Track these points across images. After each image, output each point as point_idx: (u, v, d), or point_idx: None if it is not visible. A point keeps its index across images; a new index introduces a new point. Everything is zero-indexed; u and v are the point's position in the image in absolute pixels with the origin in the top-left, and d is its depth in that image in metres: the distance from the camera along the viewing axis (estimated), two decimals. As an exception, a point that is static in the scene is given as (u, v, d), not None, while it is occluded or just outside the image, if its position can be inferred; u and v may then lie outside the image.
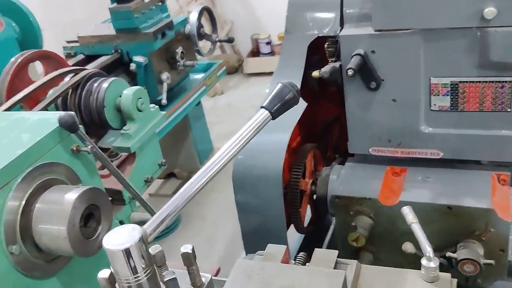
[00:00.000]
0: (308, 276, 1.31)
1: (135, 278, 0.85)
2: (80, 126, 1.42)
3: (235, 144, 1.02)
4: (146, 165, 1.94)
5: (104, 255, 0.87)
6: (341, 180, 2.39)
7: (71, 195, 1.28)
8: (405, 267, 1.60)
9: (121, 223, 1.82)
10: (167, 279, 0.86)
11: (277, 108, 1.04)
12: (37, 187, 1.30)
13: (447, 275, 1.34)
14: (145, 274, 0.86)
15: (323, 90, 2.53)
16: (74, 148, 1.42)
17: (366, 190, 2.30)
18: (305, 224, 2.62)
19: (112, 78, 1.83)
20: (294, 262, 1.49)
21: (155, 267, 0.92)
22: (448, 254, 2.18)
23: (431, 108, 2.22)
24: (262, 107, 1.04)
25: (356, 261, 1.43)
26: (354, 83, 2.24)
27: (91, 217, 1.34)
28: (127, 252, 0.83)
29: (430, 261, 1.32)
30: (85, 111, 1.83)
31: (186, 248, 0.93)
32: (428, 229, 2.14)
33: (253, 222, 2.29)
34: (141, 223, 1.77)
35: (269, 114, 1.04)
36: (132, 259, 0.84)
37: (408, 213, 1.38)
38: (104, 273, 0.89)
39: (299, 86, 2.29)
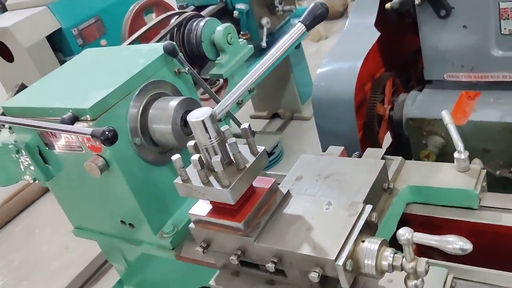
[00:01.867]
0: (354, 165, 1.62)
1: (209, 141, 1.24)
2: (180, 53, 1.85)
3: (283, 44, 1.35)
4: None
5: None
6: (416, 104, 2.60)
7: (173, 102, 1.72)
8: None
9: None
10: (230, 142, 1.25)
11: (310, 21, 1.35)
12: (150, 98, 1.76)
13: (477, 166, 1.57)
14: (216, 140, 1.24)
15: (401, 21, 2.71)
16: (176, 70, 1.85)
17: (438, 112, 2.49)
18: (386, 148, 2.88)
19: (207, 18, 2.23)
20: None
21: (224, 139, 1.30)
22: (514, 168, 2.33)
23: (502, 32, 2.33)
24: (299, 21, 1.36)
25: (400, 157, 1.70)
26: (426, 12, 2.41)
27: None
28: (203, 123, 1.22)
29: (461, 154, 1.55)
30: (188, 46, 2.27)
31: (245, 125, 1.30)
32: (498, 146, 2.32)
33: (331, 143, 2.63)
34: (236, 135, 2.20)
35: (304, 26, 1.35)
36: (206, 128, 1.23)
37: (445, 116, 1.61)
38: (190, 143, 1.30)
39: (374, 19, 2.52)
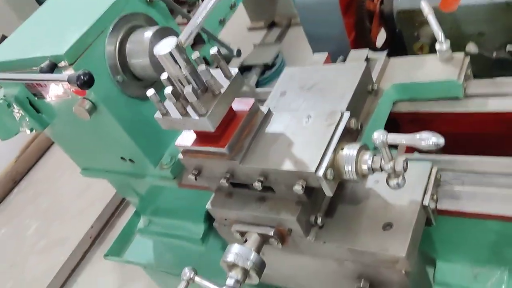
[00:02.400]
0: (337, 71, 1.60)
1: (180, 72, 1.24)
2: (149, -20, 1.79)
3: None
4: (218, 8, 2.28)
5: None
6: (405, -4, 2.51)
7: (148, 33, 1.70)
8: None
9: (204, 59, 2.22)
10: (200, 70, 1.24)
11: None
12: (125, 33, 1.74)
13: (460, 54, 1.55)
14: (186, 69, 1.24)
15: None
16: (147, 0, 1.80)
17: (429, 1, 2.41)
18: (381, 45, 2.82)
19: None
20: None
21: (196, 66, 1.29)
22: (509, 47, 2.28)
23: None
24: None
25: (385, 55, 1.67)
26: None
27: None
28: (170, 54, 1.21)
29: (442, 44, 1.52)
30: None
31: (213, 50, 1.28)
32: (492, 27, 2.25)
33: (322, 49, 2.59)
34: (226, 56, 2.17)
35: None
36: (174, 59, 1.22)
37: (424, 7, 1.56)
38: (163, 75, 1.30)
39: None
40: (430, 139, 1.08)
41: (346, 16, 2.55)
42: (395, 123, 1.71)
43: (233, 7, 2.36)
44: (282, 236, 1.36)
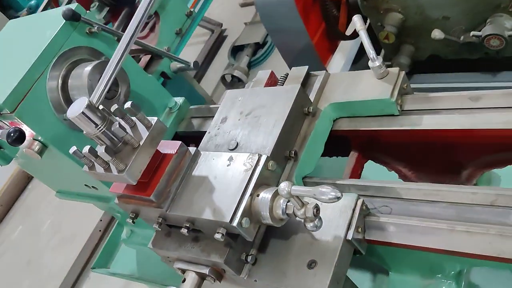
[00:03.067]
0: (273, 95, 1.60)
1: (95, 131, 1.26)
2: (87, 11, 1.79)
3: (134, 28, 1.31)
4: (172, 20, 2.27)
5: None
6: (367, -18, 2.43)
7: (87, 70, 1.71)
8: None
9: (163, 73, 2.23)
10: (114, 128, 1.26)
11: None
12: (67, 69, 1.75)
13: (395, 69, 1.52)
14: (101, 127, 1.26)
15: None
16: (87, 31, 1.80)
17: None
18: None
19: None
20: (277, 82, 1.76)
21: (115, 119, 1.31)
22: (473, 33, 2.20)
23: None
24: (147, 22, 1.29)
25: (324, 71, 1.66)
26: None
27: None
28: (82, 116, 1.24)
29: (374, 61, 1.50)
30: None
31: (128, 105, 1.29)
32: (456, 11, 2.18)
33: (287, 46, 2.57)
34: (179, 70, 2.18)
35: None
36: (86, 120, 1.24)
37: (357, 21, 1.52)
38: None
39: None
40: (329, 194, 1.08)
41: (313, 12, 2.52)
42: (345, 140, 1.70)
43: (189, 15, 2.33)
44: (219, 274, 1.40)
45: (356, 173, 1.73)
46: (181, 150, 1.41)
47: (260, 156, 1.30)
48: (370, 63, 1.53)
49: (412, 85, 2.68)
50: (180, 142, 1.41)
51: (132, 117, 1.33)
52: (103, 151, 1.24)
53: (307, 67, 1.70)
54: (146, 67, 2.19)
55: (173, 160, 1.39)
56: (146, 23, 2.31)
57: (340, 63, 3.07)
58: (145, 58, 2.23)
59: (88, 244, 4.30)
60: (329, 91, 1.65)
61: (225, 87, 4.65)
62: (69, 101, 1.76)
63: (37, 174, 2.16)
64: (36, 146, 1.72)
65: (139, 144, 1.30)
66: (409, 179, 1.79)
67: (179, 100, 2.09)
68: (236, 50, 4.94)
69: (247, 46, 4.82)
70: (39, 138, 1.72)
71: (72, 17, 1.72)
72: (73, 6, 1.76)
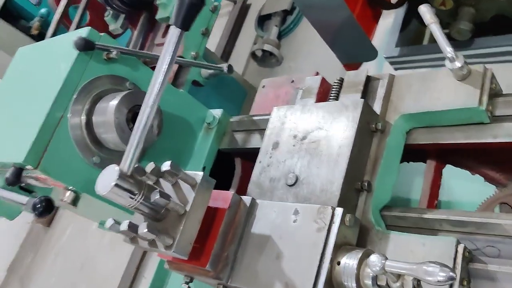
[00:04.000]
0: (330, 113, 1.35)
1: (133, 203, 1.05)
2: (100, 35, 1.55)
3: (163, 69, 1.06)
4: (197, 21, 2.00)
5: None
6: None
7: (111, 105, 1.48)
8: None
9: (194, 81, 1.99)
10: (154, 198, 1.04)
11: (184, 19, 1.00)
12: (90, 105, 1.53)
13: (479, 67, 1.24)
14: (139, 198, 1.05)
15: None
16: (105, 57, 1.57)
17: None
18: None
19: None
20: (331, 90, 1.50)
21: (153, 182, 1.10)
22: None
23: None
24: (169, 25, 1.02)
25: (388, 74, 1.39)
26: None
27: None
28: (114, 191, 1.03)
29: (454, 62, 1.22)
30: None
31: (166, 166, 1.07)
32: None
33: (325, 23, 2.28)
34: (211, 76, 1.93)
35: (180, 29, 1.01)
36: (121, 192, 1.03)
37: (425, 12, 1.23)
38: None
39: None
40: (437, 274, 0.84)
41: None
42: (420, 154, 1.44)
43: (214, 10, 2.05)
44: None
45: (436, 184, 1.48)
46: (235, 202, 1.19)
47: (333, 210, 1.06)
48: (447, 63, 1.24)
49: (473, 51, 2.36)
50: (233, 192, 1.19)
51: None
52: (145, 230, 1.02)
53: (366, 70, 1.42)
54: (175, 79, 1.96)
55: (227, 216, 1.17)
56: (167, 26, 2.05)
57: (385, 34, 2.73)
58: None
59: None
60: (397, 98, 1.37)
61: (257, 63, 4.35)
62: (96, 141, 1.55)
63: (75, 210, 1.99)
64: (69, 196, 1.54)
65: (185, 210, 1.08)
66: (497, 181, 1.52)
67: (218, 113, 1.85)
68: (263, 20, 4.59)
69: (274, 14, 4.47)
70: (70, 187, 1.53)
71: (85, 47, 1.49)
72: (85, 31, 1.52)
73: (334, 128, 1.31)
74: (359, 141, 1.28)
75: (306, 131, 1.37)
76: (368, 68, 3.08)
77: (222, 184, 2.09)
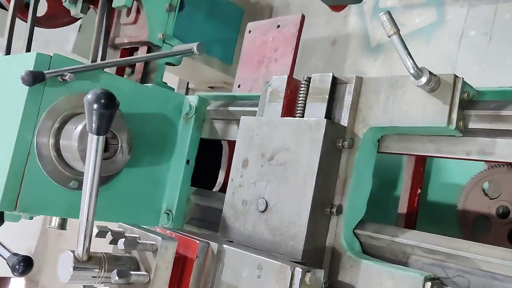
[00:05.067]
0: (295, 133, 1.30)
1: (98, 279, 1.07)
2: (50, 56, 1.47)
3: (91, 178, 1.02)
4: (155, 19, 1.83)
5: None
6: None
7: (77, 129, 1.43)
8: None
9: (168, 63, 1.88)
10: (115, 279, 1.05)
11: (98, 127, 0.91)
12: (55, 132, 1.49)
13: (449, 77, 1.14)
14: (100, 278, 1.06)
15: None
16: (60, 80, 1.49)
17: None
18: None
19: None
20: (299, 90, 1.41)
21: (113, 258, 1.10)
22: None
23: None
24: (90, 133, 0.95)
25: (355, 76, 1.30)
26: None
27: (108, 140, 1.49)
28: (74, 278, 1.04)
29: (420, 78, 1.12)
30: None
31: (121, 245, 1.06)
32: None
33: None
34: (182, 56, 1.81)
35: (97, 136, 0.93)
36: (82, 276, 1.05)
37: (385, 21, 1.10)
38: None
39: None
40: None
41: None
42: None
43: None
44: None
45: (418, 172, 1.44)
46: (202, 250, 1.19)
47: (293, 270, 1.04)
48: (412, 80, 1.13)
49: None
50: (199, 241, 1.18)
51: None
52: (113, 307, 1.05)
53: (331, 74, 1.31)
54: (145, 65, 1.85)
55: (196, 265, 1.18)
56: (129, 9, 1.89)
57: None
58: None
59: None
60: (366, 106, 1.27)
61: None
62: (68, 165, 1.53)
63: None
64: (55, 222, 1.57)
65: (150, 278, 1.09)
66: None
67: (193, 100, 1.77)
68: None
69: None
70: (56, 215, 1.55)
71: (34, 81, 1.41)
72: (31, 59, 1.43)
73: (299, 151, 1.25)
74: (325, 165, 1.22)
75: (273, 151, 1.31)
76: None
77: (212, 161, 2.08)
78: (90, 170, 1.03)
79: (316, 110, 1.31)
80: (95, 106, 0.95)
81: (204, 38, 2.97)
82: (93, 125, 0.97)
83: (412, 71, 1.10)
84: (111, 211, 1.64)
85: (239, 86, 2.33)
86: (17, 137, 1.43)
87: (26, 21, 1.92)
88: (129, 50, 1.98)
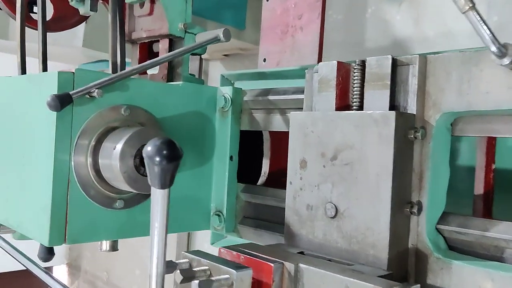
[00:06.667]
0: (359, 128, 1.18)
1: None
2: (72, 72, 1.34)
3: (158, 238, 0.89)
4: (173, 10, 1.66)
5: None
6: None
7: (117, 149, 1.32)
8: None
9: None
10: None
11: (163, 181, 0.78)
12: (93, 152, 1.39)
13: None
14: None
15: None
16: (88, 96, 1.37)
17: None
18: None
19: None
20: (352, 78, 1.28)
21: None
22: None
23: None
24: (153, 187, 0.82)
25: (417, 56, 1.16)
26: None
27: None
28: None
29: (503, 58, 0.98)
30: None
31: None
32: None
33: None
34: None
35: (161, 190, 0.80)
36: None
37: (458, -3, 0.95)
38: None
39: None
40: None
41: None
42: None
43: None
44: None
45: (491, 153, 1.30)
46: (277, 271, 1.10)
47: (390, 293, 0.95)
48: (494, 59, 0.98)
49: None
50: (273, 264, 1.08)
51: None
52: None
53: (390, 57, 1.16)
54: (169, 73, 1.72)
55: (273, 290, 1.09)
56: (142, 4, 1.73)
57: None
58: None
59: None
60: (435, 89, 1.13)
61: None
62: (110, 186, 1.43)
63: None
64: (107, 245, 1.49)
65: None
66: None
67: (228, 92, 1.64)
68: None
69: None
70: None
71: (62, 105, 1.28)
72: (53, 80, 1.31)
73: (366, 148, 1.13)
74: (399, 162, 1.10)
75: (335, 150, 1.19)
76: None
77: (253, 150, 1.96)
78: (157, 227, 0.92)
79: (377, 99, 1.18)
80: (157, 159, 0.83)
81: (212, 4, 2.80)
82: (157, 179, 0.86)
83: (493, 48, 0.96)
84: (161, 224, 1.55)
85: (264, 60, 2.18)
86: (54, 166, 1.32)
87: (32, 27, 1.78)
88: (148, 44, 1.84)
